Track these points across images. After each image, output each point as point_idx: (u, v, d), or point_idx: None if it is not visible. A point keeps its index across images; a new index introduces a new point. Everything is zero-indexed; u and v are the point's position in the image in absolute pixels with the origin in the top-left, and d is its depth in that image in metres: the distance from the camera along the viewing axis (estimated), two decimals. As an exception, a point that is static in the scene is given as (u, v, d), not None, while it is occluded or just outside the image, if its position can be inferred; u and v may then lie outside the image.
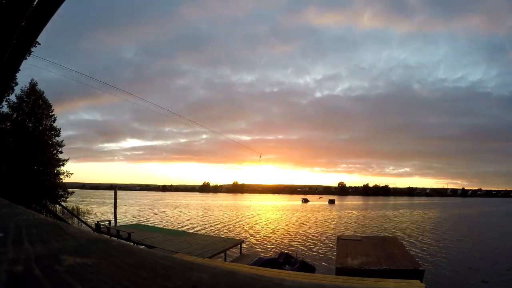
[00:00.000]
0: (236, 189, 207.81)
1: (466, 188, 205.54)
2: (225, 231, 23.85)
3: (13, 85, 18.86)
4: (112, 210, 26.70)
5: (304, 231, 24.34)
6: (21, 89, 26.47)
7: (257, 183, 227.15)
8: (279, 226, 28.12)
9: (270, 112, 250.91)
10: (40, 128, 27.44)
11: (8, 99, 24.65)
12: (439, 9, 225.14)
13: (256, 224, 29.74)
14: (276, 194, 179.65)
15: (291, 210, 50.82)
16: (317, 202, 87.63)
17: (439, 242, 19.55)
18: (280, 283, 0.36)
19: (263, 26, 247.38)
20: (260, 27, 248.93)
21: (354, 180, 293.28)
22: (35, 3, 2.42)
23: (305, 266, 10.30)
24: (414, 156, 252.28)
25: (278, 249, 15.45)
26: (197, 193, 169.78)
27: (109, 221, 21.06)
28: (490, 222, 34.40)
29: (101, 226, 17.50)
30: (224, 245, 12.92)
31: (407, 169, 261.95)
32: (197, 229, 23.89)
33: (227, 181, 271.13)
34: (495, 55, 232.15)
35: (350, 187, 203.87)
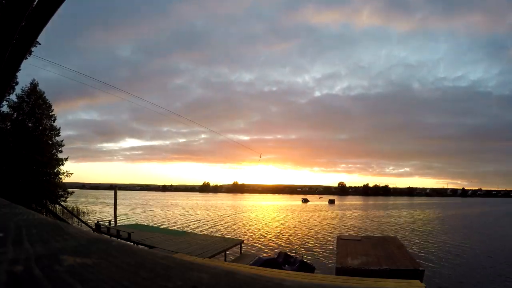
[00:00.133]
0: (236, 189, 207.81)
1: (466, 188, 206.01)
2: (226, 231, 23.86)
3: (14, 84, 18.88)
4: (112, 210, 26.72)
5: (304, 231, 24.34)
6: (21, 89, 26.51)
7: (257, 183, 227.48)
8: (280, 226, 28.12)
9: (269, 112, 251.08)
10: (40, 128, 27.46)
11: (9, 98, 24.67)
12: (439, 6, 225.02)
13: (256, 224, 29.74)
14: (276, 194, 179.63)
15: (291, 210, 50.83)
16: (317, 202, 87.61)
17: (439, 242, 19.55)
18: (280, 283, 0.36)
19: (260, 24, 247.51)
20: (257, 25, 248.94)
21: (354, 180, 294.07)
22: (35, 3, 2.42)
23: (305, 266, 10.30)
24: (414, 156, 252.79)
25: (278, 249, 15.43)
26: (197, 193, 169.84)
27: (109, 221, 21.06)
28: (490, 222, 34.40)
29: (101, 226, 17.50)
30: (224, 245, 12.91)
31: (407, 169, 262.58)
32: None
33: (227, 181, 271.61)
34: (496, 53, 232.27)
35: (350, 187, 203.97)
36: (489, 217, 40.32)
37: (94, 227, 17.41)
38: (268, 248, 16.88)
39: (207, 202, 73.74)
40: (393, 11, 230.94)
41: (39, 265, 0.40)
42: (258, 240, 19.96)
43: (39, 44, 16.26)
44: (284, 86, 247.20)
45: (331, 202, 79.75)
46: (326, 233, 23.25)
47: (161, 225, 24.95)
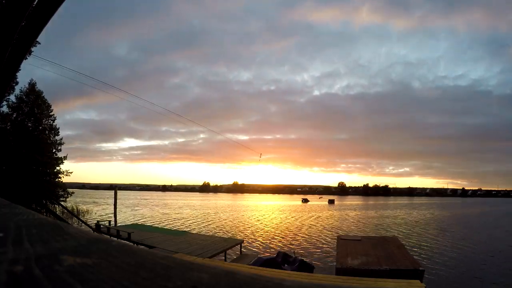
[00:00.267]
0: (236, 189, 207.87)
1: (466, 188, 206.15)
2: (226, 231, 23.87)
3: (14, 84, 18.88)
4: (112, 210, 26.72)
5: (304, 231, 24.34)
6: (20, 89, 26.52)
7: (257, 183, 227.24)
8: (280, 226, 28.12)
9: (268, 111, 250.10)
10: (40, 128, 27.46)
11: (8, 99, 24.68)
12: (440, 3, 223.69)
13: (256, 224, 29.75)
14: (276, 194, 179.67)
15: (291, 210, 50.82)
16: (317, 202, 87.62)
17: (439, 242, 19.55)
18: (280, 283, 0.36)
19: (258, 21, 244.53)
20: (255, 22, 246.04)
21: (354, 180, 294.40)
22: (35, 3, 2.42)
23: (304, 265, 10.30)
24: (414, 156, 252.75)
25: (278, 249, 15.43)
26: (197, 193, 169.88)
27: (109, 221, 21.07)
28: (490, 222, 34.40)
29: (101, 226, 17.51)
30: (224, 245, 12.91)
31: (407, 169, 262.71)
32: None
33: (227, 181, 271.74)
34: (496, 51, 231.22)
35: (350, 187, 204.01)
36: (489, 217, 40.32)
37: (94, 227, 17.41)
38: (268, 248, 16.89)
39: (207, 202, 73.76)
40: (393, 8, 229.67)
41: (39, 265, 0.40)
42: (258, 240, 19.96)
43: (39, 44, 16.27)
44: (283, 85, 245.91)
45: (331, 202, 79.73)
46: (326, 233, 23.25)
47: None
